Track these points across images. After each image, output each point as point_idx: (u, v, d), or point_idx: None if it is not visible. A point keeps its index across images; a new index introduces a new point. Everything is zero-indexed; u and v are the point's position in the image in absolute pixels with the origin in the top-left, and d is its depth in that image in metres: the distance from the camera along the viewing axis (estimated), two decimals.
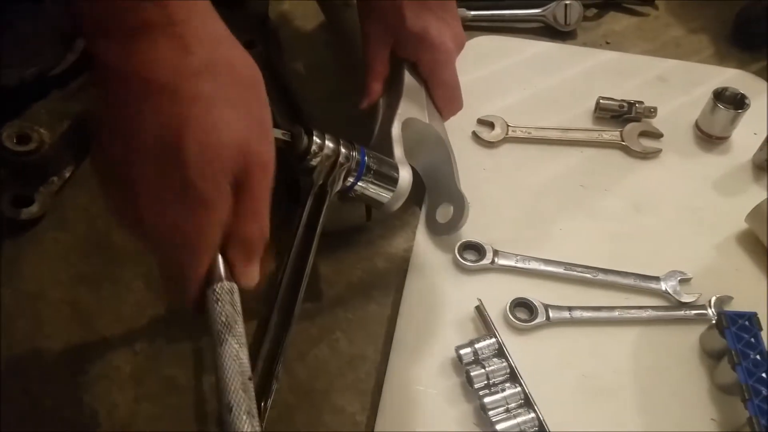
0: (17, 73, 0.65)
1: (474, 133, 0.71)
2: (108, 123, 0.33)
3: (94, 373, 0.54)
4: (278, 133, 0.48)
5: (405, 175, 0.55)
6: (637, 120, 0.74)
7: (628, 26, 0.89)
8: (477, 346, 0.51)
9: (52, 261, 0.59)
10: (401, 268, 0.61)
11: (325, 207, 0.52)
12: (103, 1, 0.32)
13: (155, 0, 0.32)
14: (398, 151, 0.57)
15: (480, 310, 0.54)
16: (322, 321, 0.58)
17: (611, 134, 0.72)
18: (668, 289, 0.59)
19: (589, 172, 0.69)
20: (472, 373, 0.49)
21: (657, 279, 0.59)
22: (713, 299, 0.58)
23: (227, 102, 0.32)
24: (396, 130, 0.58)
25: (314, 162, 0.50)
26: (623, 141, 0.72)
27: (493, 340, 0.51)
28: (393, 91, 0.64)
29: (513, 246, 0.61)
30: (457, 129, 0.72)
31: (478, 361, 0.50)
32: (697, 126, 0.74)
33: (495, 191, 0.66)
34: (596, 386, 0.53)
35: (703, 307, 0.58)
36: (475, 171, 0.68)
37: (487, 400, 0.48)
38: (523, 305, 0.56)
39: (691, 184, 0.69)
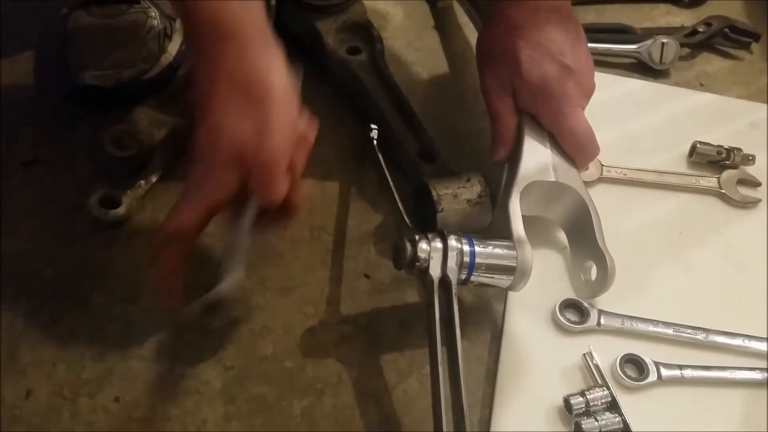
0: (114, 74, 0.66)
1: None
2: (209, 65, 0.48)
3: (184, 386, 0.53)
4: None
5: (524, 257, 0.51)
6: (734, 167, 0.71)
7: (722, 69, 0.86)
8: (589, 396, 0.48)
9: (142, 266, 0.58)
10: (493, 306, 0.59)
11: (454, 295, 0.49)
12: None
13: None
14: (516, 228, 0.53)
15: (588, 360, 0.52)
16: (412, 354, 0.56)
17: (709, 180, 0.70)
18: None
19: (687, 220, 0.67)
20: (583, 426, 0.47)
21: (765, 340, 0.57)
22: None
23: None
24: (513, 204, 0.54)
25: (425, 264, 0.50)
26: (721, 189, 0.70)
27: (606, 391, 0.49)
28: (511, 155, 0.60)
29: (610, 297, 0.58)
30: None
31: (589, 412, 0.48)
32: None
33: None
34: None
35: None
36: None
37: None
38: (631, 362, 0.53)
39: None
